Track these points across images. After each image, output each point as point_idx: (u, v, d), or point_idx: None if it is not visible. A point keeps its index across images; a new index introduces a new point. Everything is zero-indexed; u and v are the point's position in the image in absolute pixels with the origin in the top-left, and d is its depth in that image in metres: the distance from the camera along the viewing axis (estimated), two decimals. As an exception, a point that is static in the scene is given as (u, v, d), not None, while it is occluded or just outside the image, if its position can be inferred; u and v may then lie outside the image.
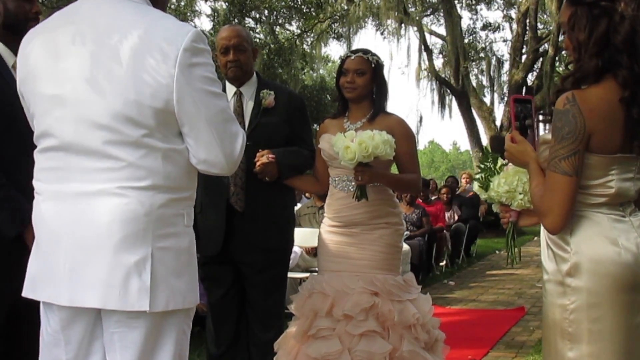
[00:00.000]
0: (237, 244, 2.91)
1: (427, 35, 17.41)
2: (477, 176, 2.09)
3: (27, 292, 1.68)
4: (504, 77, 18.07)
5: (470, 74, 17.43)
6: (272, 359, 2.86)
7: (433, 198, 9.44)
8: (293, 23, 17.54)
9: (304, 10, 16.70)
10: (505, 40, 19.90)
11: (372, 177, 2.68)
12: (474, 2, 18.70)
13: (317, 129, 3.10)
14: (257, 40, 16.34)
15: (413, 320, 2.68)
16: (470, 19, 19.60)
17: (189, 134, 1.61)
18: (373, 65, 2.84)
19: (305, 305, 2.77)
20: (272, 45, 16.55)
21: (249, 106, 2.96)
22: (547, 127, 1.92)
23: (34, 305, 1.72)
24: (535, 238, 12.33)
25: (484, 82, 19.24)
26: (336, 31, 17.53)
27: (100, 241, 1.54)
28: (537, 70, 16.36)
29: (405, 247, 5.61)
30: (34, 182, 1.69)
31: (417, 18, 16.51)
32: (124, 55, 1.54)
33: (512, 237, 2.08)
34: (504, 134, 13.15)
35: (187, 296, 1.64)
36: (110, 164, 1.55)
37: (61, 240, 1.58)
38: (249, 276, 2.97)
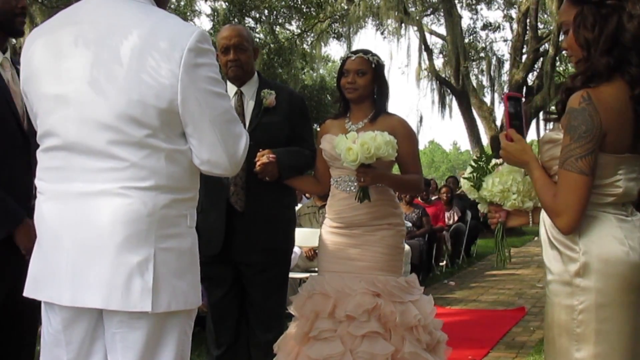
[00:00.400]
0: (237, 244, 2.90)
1: (428, 35, 17.43)
2: (469, 175, 2.05)
3: (29, 292, 1.67)
4: (505, 77, 18.08)
5: (471, 74, 17.43)
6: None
7: (433, 198, 9.43)
8: (293, 23, 17.55)
9: (304, 10, 16.70)
10: (505, 40, 19.92)
11: (374, 178, 2.67)
12: (474, 1, 18.70)
13: (318, 129, 3.09)
14: (257, 40, 16.33)
15: (415, 321, 2.68)
16: (471, 18, 19.62)
17: (193, 134, 1.60)
18: (374, 66, 2.84)
19: (306, 306, 2.76)
20: (272, 45, 16.56)
21: (249, 106, 2.95)
22: (549, 126, 1.91)
23: (30, 306, 1.71)
24: (536, 238, 12.33)
25: (484, 82, 19.25)
26: (336, 31, 17.54)
27: (102, 241, 1.54)
28: (538, 70, 16.37)
29: (406, 247, 5.60)
30: (36, 182, 1.68)
31: (417, 18, 16.51)
32: (128, 55, 1.53)
33: (502, 238, 2.05)
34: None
35: (189, 297, 1.63)
36: (114, 164, 1.55)
37: (63, 240, 1.57)
38: (249, 276, 2.96)
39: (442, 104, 17.28)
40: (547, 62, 14.79)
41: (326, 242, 2.87)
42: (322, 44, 17.35)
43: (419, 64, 16.80)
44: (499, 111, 17.25)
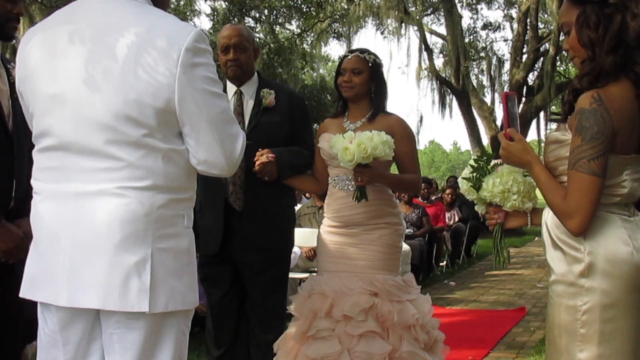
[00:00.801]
0: (236, 244, 2.90)
1: (428, 35, 17.41)
2: (468, 175, 2.03)
3: (25, 292, 1.67)
4: (505, 77, 18.05)
5: (471, 74, 17.40)
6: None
7: (433, 198, 9.42)
8: (293, 22, 17.54)
9: (304, 10, 16.69)
10: (505, 40, 19.89)
11: (371, 178, 2.67)
12: (474, 1, 18.69)
13: (317, 129, 3.09)
14: (257, 39, 16.30)
15: (412, 320, 2.68)
16: (471, 18, 19.61)
17: (190, 134, 1.60)
18: (370, 64, 2.83)
19: (305, 305, 2.76)
20: (272, 45, 16.55)
21: (249, 105, 2.95)
22: (550, 125, 1.90)
23: (16, 309, 1.69)
24: (536, 238, 12.33)
25: (485, 82, 19.22)
26: (336, 31, 17.53)
27: (99, 241, 1.53)
28: (538, 70, 16.35)
29: (406, 247, 5.60)
30: (33, 182, 1.68)
31: (417, 17, 16.50)
32: (125, 55, 1.53)
33: (501, 239, 2.04)
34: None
35: (186, 297, 1.63)
36: (110, 163, 1.54)
37: (60, 240, 1.57)
38: (249, 276, 2.96)
39: (443, 103, 17.26)
40: (547, 61, 14.76)
41: (324, 241, 2.87)
42: (322, 44, 17.35)
43: (419, 63, 16.79)
44: (499, 111, 17.26)
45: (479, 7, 19.17)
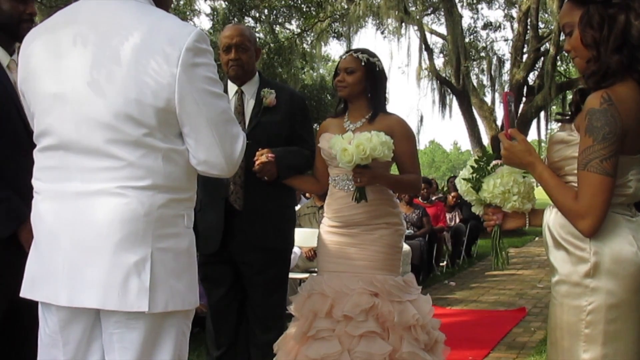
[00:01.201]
0: (236, 243, 2.90)
1: (428, 35, 17.40)
2: (468, 176, 2.01)
3: (26, 292, 1.67)
4: (505, 77, 18.06)
5: (471, 74, 17.41)
6: (272, 360, 2.85)
7: (434, 198, 9.41)
8: (293, 22, 17.55)
9: (304, 9, 16.69)
10: (506, 40, 19.87)
11: (371, 179, 2.67)
12: (474, 1, 18.69)
13: (318, 129, 3.09)
14: (257, 39, 16.30)
15: (413, 321, 2.67)
16: (471, 18, 19.62)
17: (190, 134, 1.60)
18: (363, 63, 2.83)
19: (305, 306, 2.76)
20: (271, 45, 16.55)
21: (249, 105, 2.96)
22: (551, 125, 1.90)
23: (32, 306, 1.70)
24: (537, 238, 12.34)
25: (485, 82, 19.24)
26: (336, 30, 17.53)
27: (99, 241, 1.53)
28: (539, 70, 16.35)
29: (406, 247, 5.60)
30: (33, 181, 1.68)
31: (417, 17, 16.50)
32: (126, 55, 1.53)
33: (500, 240, 2.03)
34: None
35: (186, 297, 1.63)
36: (111, 163, 1.54)
37: (60, 239, 1.57)
38: (249, 276, 2.96)
39: (443, 103, 17.26)
40: (548, 61, 14.76)
41: (325, 241, 2.87)
42: (322, 44, 17.34)
43: (420, 63, 16.80)
44: (500, 111, 17.24)
45: (479, 6, 19.19)
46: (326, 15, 16.37)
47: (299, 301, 2.80)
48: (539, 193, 1.92)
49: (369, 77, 2.84)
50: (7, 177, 2.19)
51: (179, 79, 1.53)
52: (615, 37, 1.69)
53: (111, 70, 1.54)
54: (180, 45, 1.54)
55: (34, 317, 1.71)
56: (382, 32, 17.92)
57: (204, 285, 3.03)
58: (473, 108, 16.27)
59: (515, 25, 16.70)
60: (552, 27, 15.21)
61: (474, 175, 2.00)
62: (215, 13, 16.75)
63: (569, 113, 1.87)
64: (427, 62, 16.77)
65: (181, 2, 16.16)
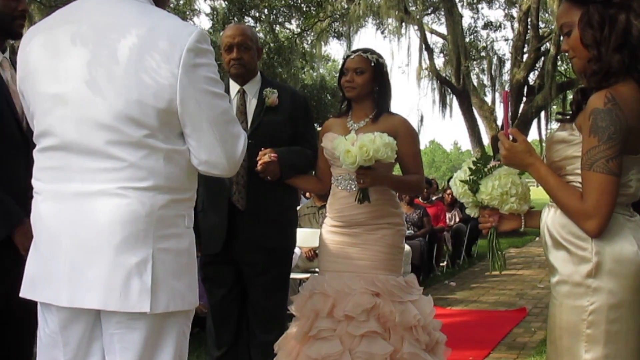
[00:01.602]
0: (238, 243, 2.89)
1: (428, 34, 17.39)
2: (465, 178, 1.99)
3: (26, 292, 1.66)
4: (506, 77, 18.06)
5: (472, 73, 17.42)
6: (273, 360, 2.85)
7: (434, 198, 9.41)
8: (293, 22, 17.52)
9: (304, 9, 16.67)
10: (506, 39, 19.88)
11: (374, 180, 2.66)
12: (475, 0, 18.68)
13: (318, 129, 3.08)
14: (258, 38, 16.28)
15: (414, 321, 2.67)
16: (472, 17, 19.65)
17: (191, 134, 1.60)
18: (373, 64, 2.82)
19: (306, 305, 2.76)
20: (271, 44, 16.53)
21: (252, 104, 2.96)
22: (553, 125, 1.89)
23: (26, 307, 1.70)
24: (537, 238, 12.33)
25: (485, 82, 19.23)
26: (336, 30, 17.51)
27: (100, 242, 1.53)
28: (539, 70, 16.35)
29: (406, 247, 5.59)
30: (33, 182, 1.67)
31: (417, 17, 16.49)
32: (127, 55, 1.53)
33: (496, 242, 2.01)
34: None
35: (187, 297, 1.63)
36: (112, 164, 1.54)
37: (61, 240, 1.56)
38: (250, 277, 2.96)
39: (443, 103, 17.25)
40: (548, 61, 14.76)
41: (326, 241, 2.86)
42: (322, 43, 17.33)
43: (420, 63, 16.79)
44: (500, 111, 17.24)
45: (479, 6, 19.18)
46: (326, 15, 16.36)
47: (301, 301, 2.80)
48: (535, 193, 1.91)
49: (377, 77, 2.84)
50: (1, 178, 2.18)
51: (181, 80, 1.53)
52: (617, 36, 1.69)
53: (111, 70, 1.53)
54: (182, 45, 1.53)
55: (26, 314, 1.70)
56: (382, 32, 17.92)
57: (205, 285, 3.03)
58: (473, 108, 16.27)
59: (516, 25, 16.70)
60: (553, 26, 15.19)
61: (471, 177, 1.98)
62: (215, 13, 16.73)
63: (570, 112, 1.86)
64: (428, 62, 16.77)
65: (181, 2, 16.15)
